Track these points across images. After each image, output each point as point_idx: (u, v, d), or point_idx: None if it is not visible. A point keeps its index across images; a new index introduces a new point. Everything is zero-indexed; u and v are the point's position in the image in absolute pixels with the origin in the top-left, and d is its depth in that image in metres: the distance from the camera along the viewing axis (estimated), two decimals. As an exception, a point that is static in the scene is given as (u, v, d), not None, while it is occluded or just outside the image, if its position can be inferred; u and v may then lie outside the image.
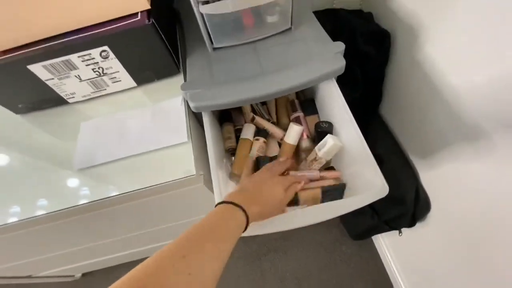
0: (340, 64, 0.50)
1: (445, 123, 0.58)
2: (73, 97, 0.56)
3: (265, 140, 0.55)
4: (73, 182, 0.49)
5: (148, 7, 0.46)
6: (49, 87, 0.52)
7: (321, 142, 0.50)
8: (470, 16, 0.45)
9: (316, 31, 0.56)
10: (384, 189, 0.41)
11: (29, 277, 0.97)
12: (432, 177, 0.68)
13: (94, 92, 0.56)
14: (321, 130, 0.54)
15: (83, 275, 1.21)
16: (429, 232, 0.75)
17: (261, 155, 0.55)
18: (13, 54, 0.47)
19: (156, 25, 0.47)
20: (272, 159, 0.55)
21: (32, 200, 0.47)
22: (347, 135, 0.50)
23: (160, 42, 0.49)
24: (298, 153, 0.57)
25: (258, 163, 0.53)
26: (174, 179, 0.46)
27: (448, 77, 0.53)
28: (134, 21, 0.46)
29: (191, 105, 0.49)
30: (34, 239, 0.58)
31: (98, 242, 0.74)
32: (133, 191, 0.46)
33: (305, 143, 0.56)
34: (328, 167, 0.54)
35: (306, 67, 0.50)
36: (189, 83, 0.52)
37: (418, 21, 0.58)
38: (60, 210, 0.46)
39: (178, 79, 0.57)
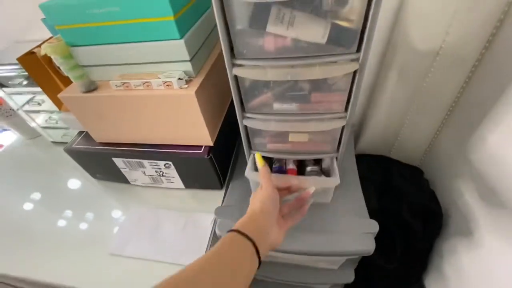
0: (368, 247, 0.48)
1: None
2: (135, 182, 0.67)
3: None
4: (100, 263, 0.56)
5: (211, 144, 0.55)
6: (121, 172, 0.65)
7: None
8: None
9: (356, 201, 0.55)
10: None
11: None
12: None
13: (151, 183, 0.66)
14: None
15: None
16: None
17: None
18: (105, 147, 0.61)
19: (213, 159, 0.55)
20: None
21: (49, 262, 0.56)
22: None
23: (212, 170, 0.57)
24: None
25: None
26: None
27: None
28: (196, 152, 0.55)
29: (217, 231, 0.54)
30: None
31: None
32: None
33: None
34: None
35: (335, 238, 0.50)
36: (222, 210, 0.56)
37: (476, 211, 0.53)
38: None
39: (219, 193, 0.64)
